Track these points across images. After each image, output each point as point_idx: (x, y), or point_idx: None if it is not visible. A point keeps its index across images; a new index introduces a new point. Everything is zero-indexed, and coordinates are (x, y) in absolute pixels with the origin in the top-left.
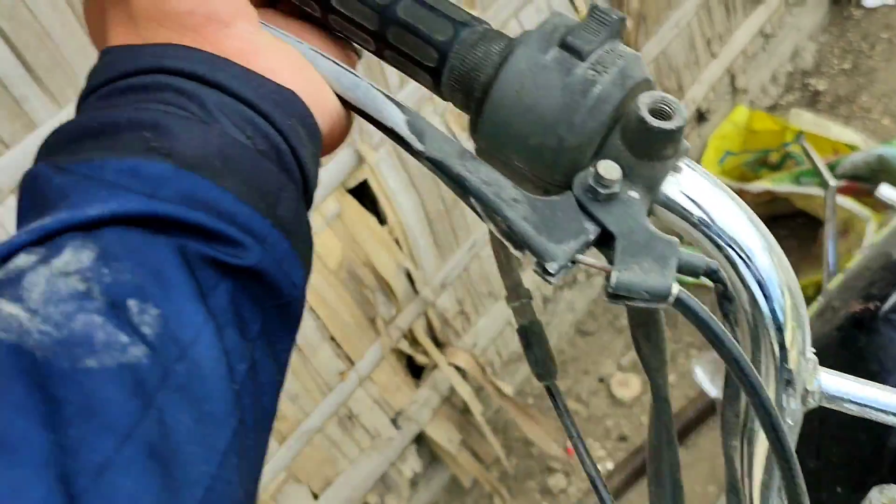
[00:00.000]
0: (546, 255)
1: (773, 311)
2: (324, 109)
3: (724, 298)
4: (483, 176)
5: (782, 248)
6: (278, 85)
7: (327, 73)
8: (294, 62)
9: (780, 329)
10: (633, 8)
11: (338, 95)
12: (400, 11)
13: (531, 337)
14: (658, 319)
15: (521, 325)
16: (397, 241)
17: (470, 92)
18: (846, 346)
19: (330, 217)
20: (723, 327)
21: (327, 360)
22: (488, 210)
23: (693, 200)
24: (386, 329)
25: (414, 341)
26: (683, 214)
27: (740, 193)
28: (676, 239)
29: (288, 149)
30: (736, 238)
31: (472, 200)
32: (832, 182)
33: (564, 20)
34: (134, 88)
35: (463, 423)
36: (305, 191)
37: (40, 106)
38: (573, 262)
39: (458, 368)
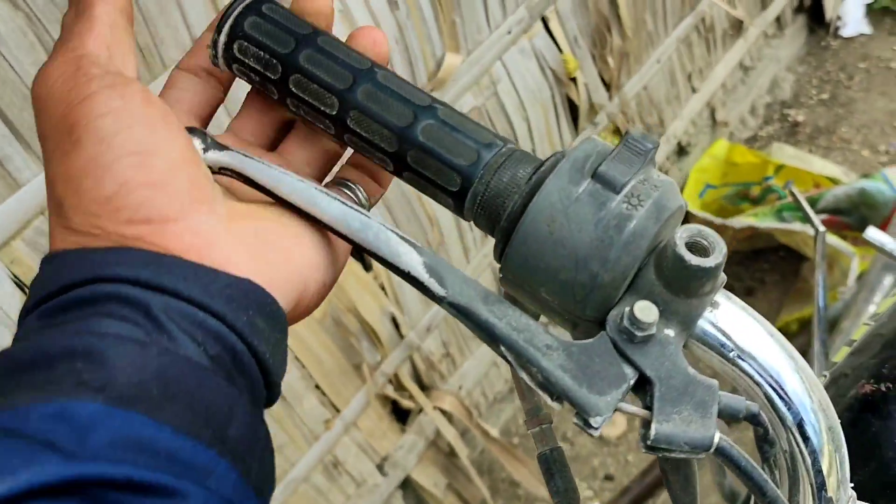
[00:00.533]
0: (590, 410)
1: (812, 451)
2: (290, 286)
3: (765, 442)
4: (512, 321)
5: (765, 282)
6: (232, 277)
7: (334, 215)
8: (252, 245)
9: (819, 469)
10: (615, 46)
11: (348, 238)
12: (420, 134)
13: (553, 465)
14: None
15: (541, 453)
16: (382, 287)
17: (496, 219)
18: (857, 430)
19: None
20: (764, 475)
21: (312, 409)
22: (521, 359)
23: (730, 337)
24: (371, 375)
25: (399, 386)
26: (720, 351)
27: (723, 228)
28: (716, 382)
29: (244, 347)
30: (774, 375)
31: (503, 349)
32: (822, 228)
33: (596, 147)
34: (74, 304)
35: (449, 466)
36: (269, 384)
37: (24, 166)
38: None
39: (443, 412)
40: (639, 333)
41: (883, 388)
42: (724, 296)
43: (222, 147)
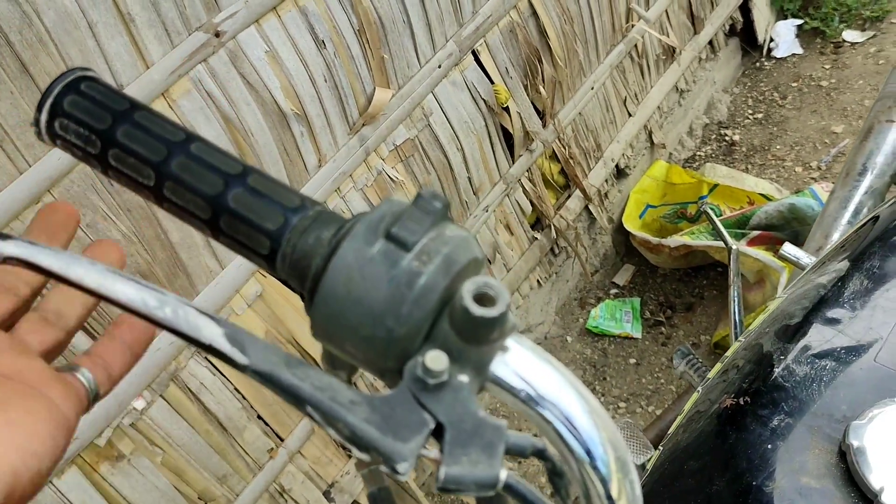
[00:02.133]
0: (395, 457)
1: (602, 480)
2: None
3: (554, 475)
4: (315, 382)
5: (704, 298)
6: None
7: (130, 295)
8: None
9: (609, 495)
10: (547, 75)
11: (145, 317)
12: (231, 201)
13: None
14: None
15: (371, 492)
16: None
17: (303, 279)
18: (718, 441)
19: (251, 298)
20: None
21: (255, 440)
22: (327, 417)
23: (520, 377)
24: None
25: None
26: (512, 391)
27: (660, 247)
28: (504, 423)
29: None
30: (563, 411)
31: (309, 409)
32: (734, 245)
33: (393, 207)
34: None
35: (397, 490)
36: None
37: None
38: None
39: None
40: (431, 381)
41: (741, 402)
42: (514, 340)
43: (5, 236)
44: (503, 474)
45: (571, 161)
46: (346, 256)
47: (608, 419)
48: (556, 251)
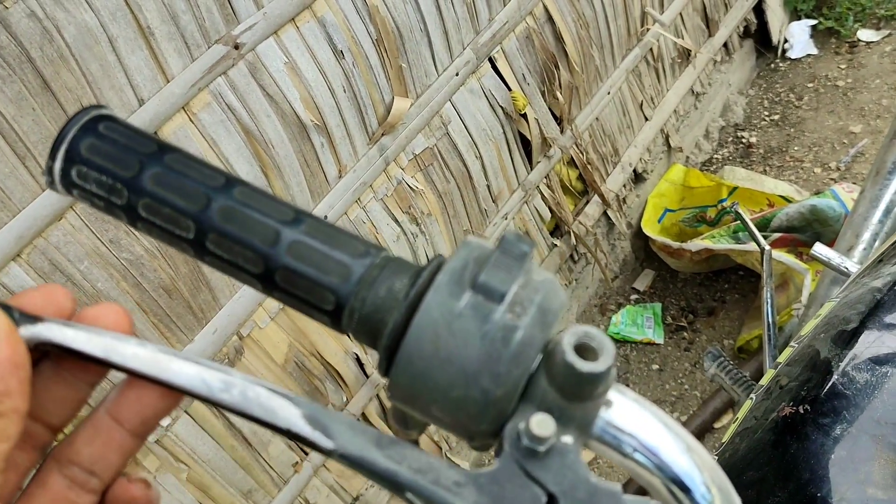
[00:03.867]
0: None
1: None
2: None
3: None
4: (413, 463)
5: (725, 301)
6: None
7: (190, 377)
8: None
9: None
10: (564, 81)
11: (209, 401)
12: (286, 253)
13: None
14: None
15: None
16: None
17: (376, 335)
18: (778, 451)
19: (274, 311)
20: None
21: (280, 454)
22: (431, 503)
23: (628, 433)
24: None
25: (367, 424)
26: (619, 449)
27: (680, 251)
28: (618, 487)
29: None
30: (672, 466)
31: (410, 495)
32: (766, 246)
33: (474, 252)
34: None
35: None
36: None
37: None
38: None
39: None
40: (540, 448)
41: (801, 411)
42: (616, 391)
43: (35, 319)
44: None
45: (589, 166)
46: (432, 311)
47: (720, 473)
48: (576, 258)
